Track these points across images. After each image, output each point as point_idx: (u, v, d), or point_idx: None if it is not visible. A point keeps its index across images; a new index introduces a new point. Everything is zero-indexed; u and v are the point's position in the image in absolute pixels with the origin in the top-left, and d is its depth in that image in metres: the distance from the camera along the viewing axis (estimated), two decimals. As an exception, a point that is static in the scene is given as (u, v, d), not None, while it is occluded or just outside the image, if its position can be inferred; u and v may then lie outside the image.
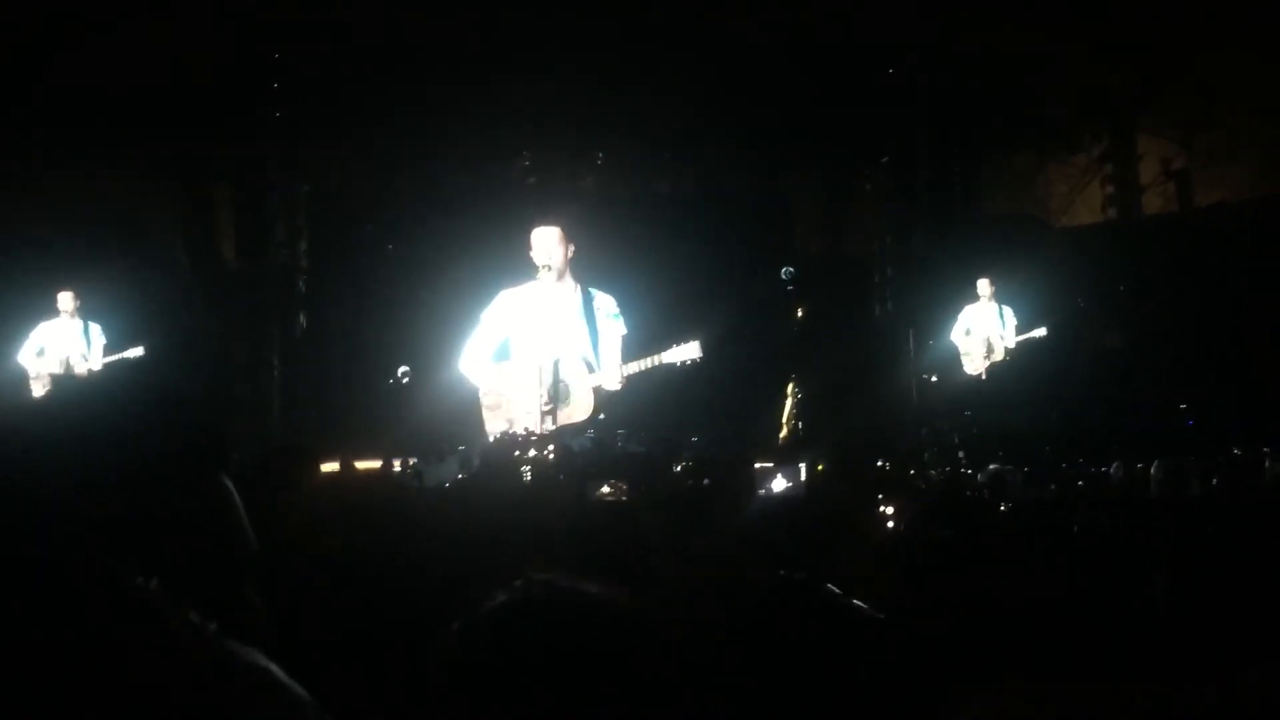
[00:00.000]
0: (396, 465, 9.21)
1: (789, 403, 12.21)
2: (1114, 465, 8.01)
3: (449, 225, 12.63)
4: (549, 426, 8.07)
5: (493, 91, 11.58)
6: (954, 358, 12.10)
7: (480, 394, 8.90)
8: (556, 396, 8.17)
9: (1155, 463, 6.98)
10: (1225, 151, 11.95)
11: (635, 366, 8.28)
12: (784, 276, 11.74)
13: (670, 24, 10.96)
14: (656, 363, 8.20)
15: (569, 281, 8.64)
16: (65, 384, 9.41)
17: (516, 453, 7.02)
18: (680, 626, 1.10)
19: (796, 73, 11.83)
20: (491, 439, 8.33)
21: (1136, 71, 12.03)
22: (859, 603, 1.71)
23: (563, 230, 8.55)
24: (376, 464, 9.04)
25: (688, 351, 8.05)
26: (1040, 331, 11.62)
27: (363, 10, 10.57)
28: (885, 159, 12.55)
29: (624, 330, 8.71)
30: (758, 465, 4.50)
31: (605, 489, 3.51)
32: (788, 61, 11.67)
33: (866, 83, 12.13)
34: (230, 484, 1.32)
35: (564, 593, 1.08)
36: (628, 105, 12.02)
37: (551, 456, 6.97)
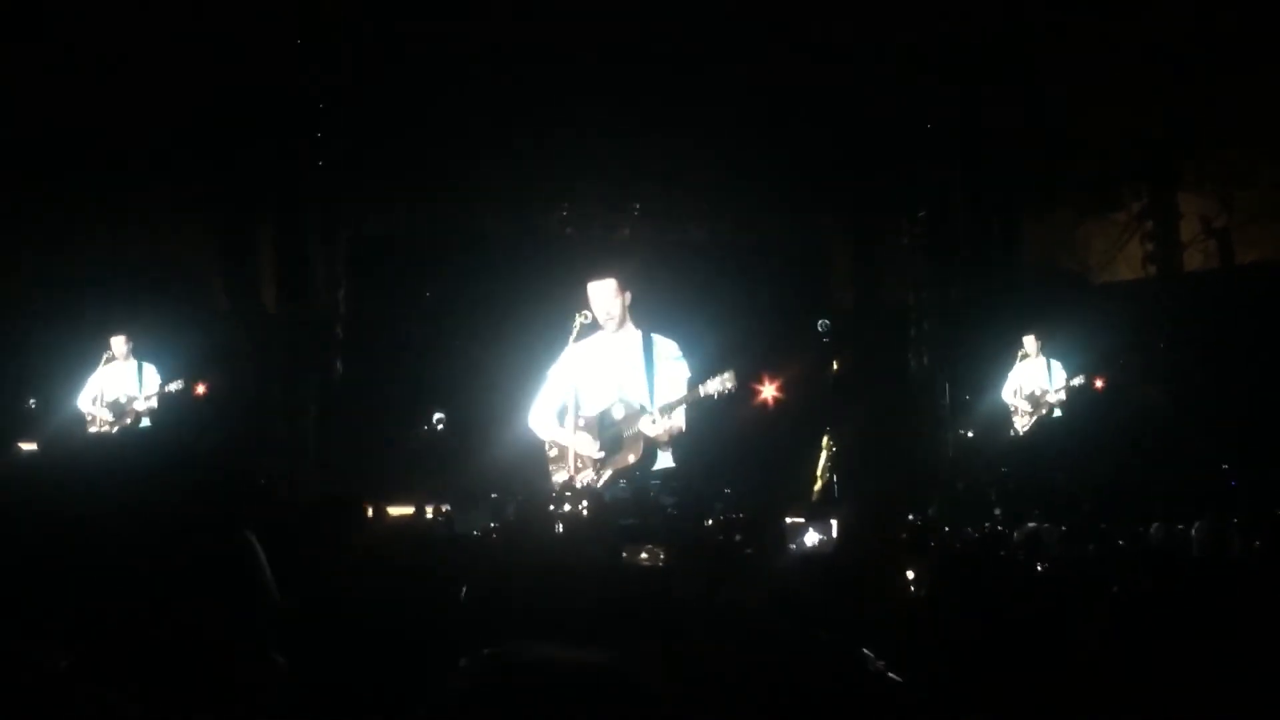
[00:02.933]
0: (429, 511, 9.23)
1: (824, 455, 12.15)
2: (1154, 525, 7.88)
3: (486, 273, 12.74)
4: (605, 475, 8.12)
5: (532, 143, 11.72)
6: (993, 413, 12.02)
7: (546, 448, 8.96)
8: (610, 445, 8.23)
9: (1196, 523, 6.86)
10: (1266, 210, 11.86)
11: (673, 404, 8.31)
12: (820, 329, 11.74)
13: (709, 77, 11.05)
14: (695, 396, 8.22)
15: (630, 329, 8.72)
16: (94, 444, 9.56)
17: (551, 506, 7.04)
18: (668, 688, 1.05)
19: (835, 125, 11.89)
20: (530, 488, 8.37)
21: (1176, 129, 11.99)
22: (892, 675, 1.68)
23: (619, 281, 8.64)
24: (409, 510, 9.06)
25: (723, 382, 8.08)
26: (1079, 379, 11.58)
27: (405, 61, 10.74)
28: (923, 212, 12.55)
29: (688, 373, 8.75)
30: (789, 520, 4.47)
31: (644, 555, 3.49)
32: (826, 114, 11.73)
33: (905, 136, 12.16)
34: (254, 539, 1.33)
35: (526, 666, 1.04)
36: (666, 156, 12.11)
37: (585, 511, 6.99)
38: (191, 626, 1.20)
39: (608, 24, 10.23)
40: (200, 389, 11.29)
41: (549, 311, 9.27)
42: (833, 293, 14.28)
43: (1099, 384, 12.10)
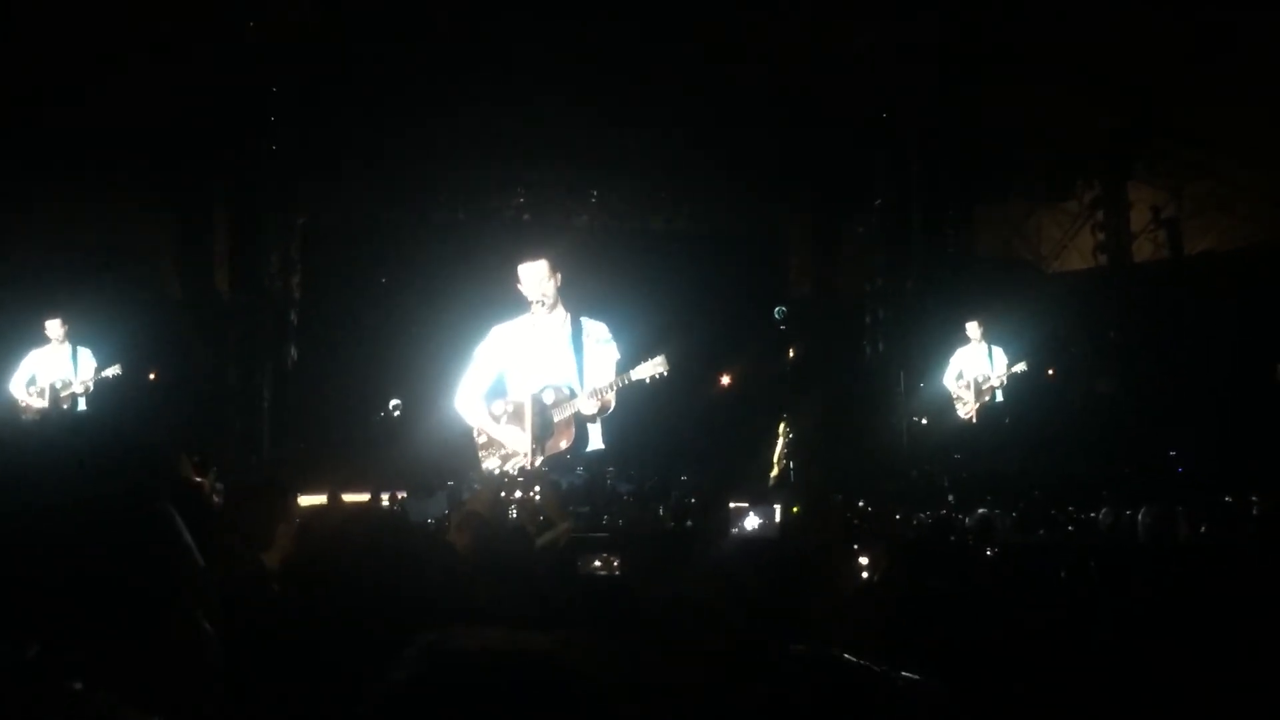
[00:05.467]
0: (384, 499, 9.18)
1: (780, 442, 12.20)
2: (1103, 511, 8.00)
3: (442, 260, 12.68)
4: (537, 460, 8.06)
5: (489, 128, 11.66)
6: (946, 400, 12.13)
7: (474, 433, 8.89)
8: (541, 430, 8.16)
9: (1143, 509, 6.96)
10: (1215, 200, 12.05)
11: (606, 386, 8.25)
12: (777, 316, 11.79)
13: (667, 65, 11.04)
14: (626, 380, 8.17)
15: (560, 311, 8.65)
16: (6, 425, 9.38)
17: (503, 494, 6.98)
18: (607, 672, 1.05)
19: (791, 115, 11.92)
20: (485, 476, 8.30)
21: (1128, 120, 12.14)
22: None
23: (550, 262, 8.56)
24: (364, 496, 9.01)
25: (654, 366, 8.03)
26: (1020, 366, 11.69)
27: (360, 45, 10.64)
28: (878, 201, 12.62)
29: (618, 355, 8.69)
30: (732, 505, 4.48)
31: (597, 563, 3.47)
32: (783, 104, 11.76)
33: (860, 126, 12.23)
34: (173, 511, 1.31)
35: (466, 654, 1.03)
36: (623, 144, 12.10)
37: (538, 497, 6.94)
38: (112, 601, 1.18)
39: (566, 12, 10.19)
40: (149, 375, 11.12)
41: (506, 296, 9.21)
42: (789, 280, 14.36)
43: (1050, 371, 12.25)
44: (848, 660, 1.76)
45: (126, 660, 1.17)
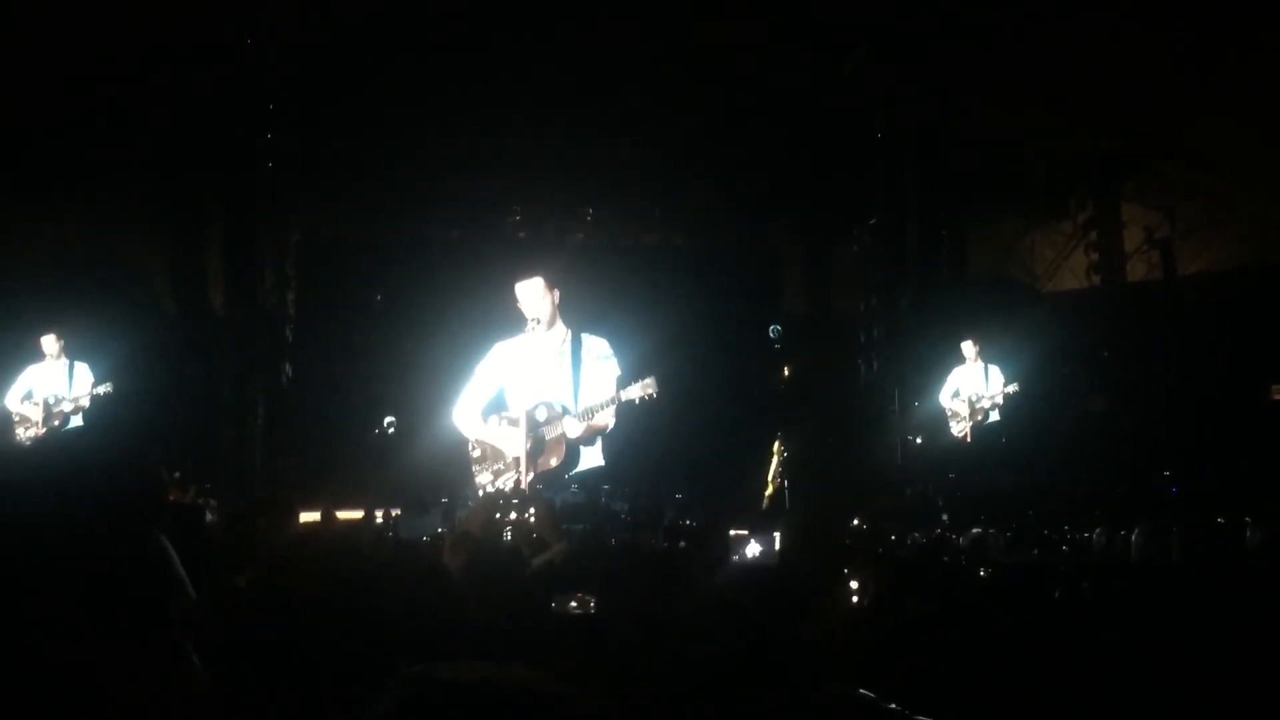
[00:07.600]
0: (379, 516, 9.17)
1: (774, 460, 12.20)
2: (1096, 531, 7.99)
3: (437, 277, 12.69)
4: (529, 477, 8.06)
5: (485, 145, 11.69)
6: (940, 419, 12.14)
7: (469, 447, 8.88)
8: (534, 447, 8.15)
9: (1136, 529, 6.96)
10: (1207, 221, 12.09)
11: (596, 407, 8.23)
12: (771, 335, 11.81)
13: (662, 83, 11.08)
14: (616, 401, 8.15)
15: (560, 328, 8.64)
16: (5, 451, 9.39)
17: (498, 514, 6.96)
18: (589, 703, 1.04)
19: (786, 133, 11.97)
20: (480, 494, 8.28)
21: (1121, 141, 12.19)
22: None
23: (546, 280, 8.55)
24: (359, 514, 9.00)
25: (643, 388, 8.02)
26: (1012, 387, 11.71)
27: (356, 61, 10.67)
28: (873, 220, 12.66)
29: (618, 371, 8.67)
30: (732, 533, 4.48)
31: (573, 604, 3.44)
32: (778, 122, 11.81)
33: (855, 144, 12.27)
34: (165, 540, 1.32)
35: (453, 686, 1.02)
36: (618, 161, 12.14)
37: (533, 518, 6.92)
38: (101, 634, 1.19)
39: (561, 31, 10.24)
40: (143, 391, 11.09)
41: (501, 315, 9.22)
42: (784, 299, 14.38)
43: (1045, 392, 12.26)
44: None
45: (113, 691, 1.17)
